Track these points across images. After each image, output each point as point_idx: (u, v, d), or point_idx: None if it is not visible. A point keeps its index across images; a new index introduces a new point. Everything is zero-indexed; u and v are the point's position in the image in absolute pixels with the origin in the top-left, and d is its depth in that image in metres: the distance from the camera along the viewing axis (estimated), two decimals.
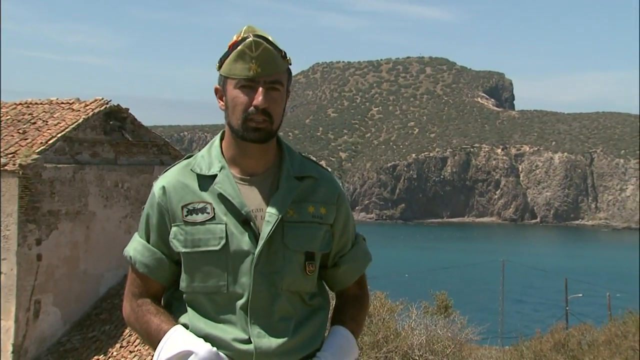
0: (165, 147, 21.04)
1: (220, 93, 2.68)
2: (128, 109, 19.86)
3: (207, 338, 2.58)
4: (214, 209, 2.61)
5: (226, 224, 2.59)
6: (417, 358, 6.50)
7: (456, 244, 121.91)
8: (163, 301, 2.77)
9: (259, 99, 2.55)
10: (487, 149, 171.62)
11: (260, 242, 2.57)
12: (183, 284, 2.67)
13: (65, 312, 17.98)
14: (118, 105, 19.61)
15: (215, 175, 2.65)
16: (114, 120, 19.46)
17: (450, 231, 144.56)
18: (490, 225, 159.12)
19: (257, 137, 2.60)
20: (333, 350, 2.66)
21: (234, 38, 2.63)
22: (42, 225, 17.51)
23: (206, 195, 2.64)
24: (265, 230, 2.57)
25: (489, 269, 66.31)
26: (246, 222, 2.60)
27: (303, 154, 2.81)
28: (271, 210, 2.59)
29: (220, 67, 2.65)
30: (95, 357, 16.92)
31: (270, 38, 2.62)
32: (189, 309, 2.66)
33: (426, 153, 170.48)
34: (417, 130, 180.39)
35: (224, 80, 2.65)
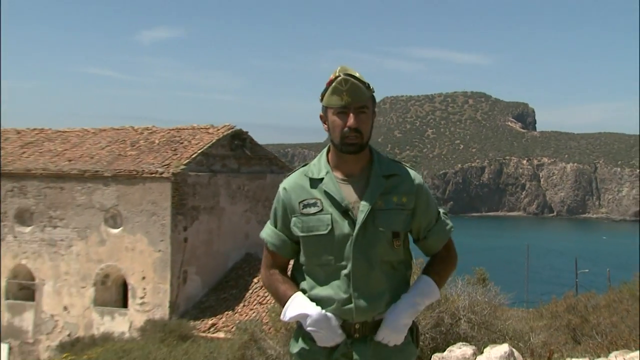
0: (274, 160, 21.13)
1: (323, 119, 2.64)
2: (247, 132, 19.98)
3: (319, 299, 2.59)
4: (322, 203, 2.59)
5: (331, 214, 2.57)
6: (462, 317, 6.41)
7: (492, 231, 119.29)
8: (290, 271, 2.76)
9: (350, 121, 2.54)
10: (515, 161, 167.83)
11: (357, 227, 2.54)
12: (302, 259, 2.66)
13: (204, 280, 18.15)
14: (240, 129, 19.77)
15: (322, 178, 2.62)
16: (237, 140, 19.60)
17: (488, 222, 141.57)
18: (518, 218, 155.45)
19: (352, 150, 2.58)
20: (415, 292, 2.60)
21: (330, 77, 2.59)
22: (187, 216, 17.73)
23: (316, 193, 2.62)
24: (360, 217, 2.53)
25: (517, 250, 64.67)
26: (346, 212, 2.56)
27: (391, 157, 2.74)
28: (364, 202, 2.55)
29: (322, 99, 2.62)
30: (226, 312, 17.03)
31: (357, 74, 2.58)
32: (306, 277, 2.64)
33: (469, 163, 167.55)
34: (462, 146, 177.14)
35: (325, 109, 2.62)
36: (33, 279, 19.02)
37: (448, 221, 2.75)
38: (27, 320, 18.96)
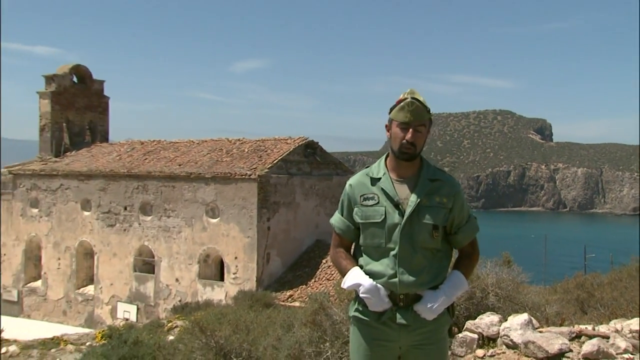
0: (339, 165, 21.07)
1: (388, 128, 2.65)
2: (318, 142, 20.02)
3: (372, 273, 2.61)
4: (378, 197, 2.62)
5: (385, 207, 2.60)
6: (490, 291, 6.36)
7: (516, 223, 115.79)
8: (352, 250, 2.79)
9: (409, 136, 2.56)
10: (535, 166, 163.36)
11: (405, 218, 2.57)
12: (361, 241, 2.68)
13: (283, 260, 18.21)
14: (312, 140, 19.81)
15: (380, 178, 2.65)
16: (310, 149, 19.64)
17: (512, 216, 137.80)
18: (538, 213, 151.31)
19: (406, 158, 2.60)
20: (449, 284, 2.61)
21: (401, 97, 2.59)
22: (270, 210, 17.86)
23: (374, 189, 2.64)
24: (408, 211, 2.56)
25: (537, 239, 62.59)
26: (397, 205, 2.59)
27: (436, 166, 2.73)
28: (412, 199, 2.58)
29: (390, 112, 2.63)
30: (300, 286, 17.05)
31: (421, 99, 2.58)
32: (364, 255, 2.67)
33: (497, 168, 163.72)
34: (491, 154, 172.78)
35: (390, 121, 2.63)
36: (153, 256, 19.65)
37: (476, 224, 2.74)
38: (149, 288, 19.63)
